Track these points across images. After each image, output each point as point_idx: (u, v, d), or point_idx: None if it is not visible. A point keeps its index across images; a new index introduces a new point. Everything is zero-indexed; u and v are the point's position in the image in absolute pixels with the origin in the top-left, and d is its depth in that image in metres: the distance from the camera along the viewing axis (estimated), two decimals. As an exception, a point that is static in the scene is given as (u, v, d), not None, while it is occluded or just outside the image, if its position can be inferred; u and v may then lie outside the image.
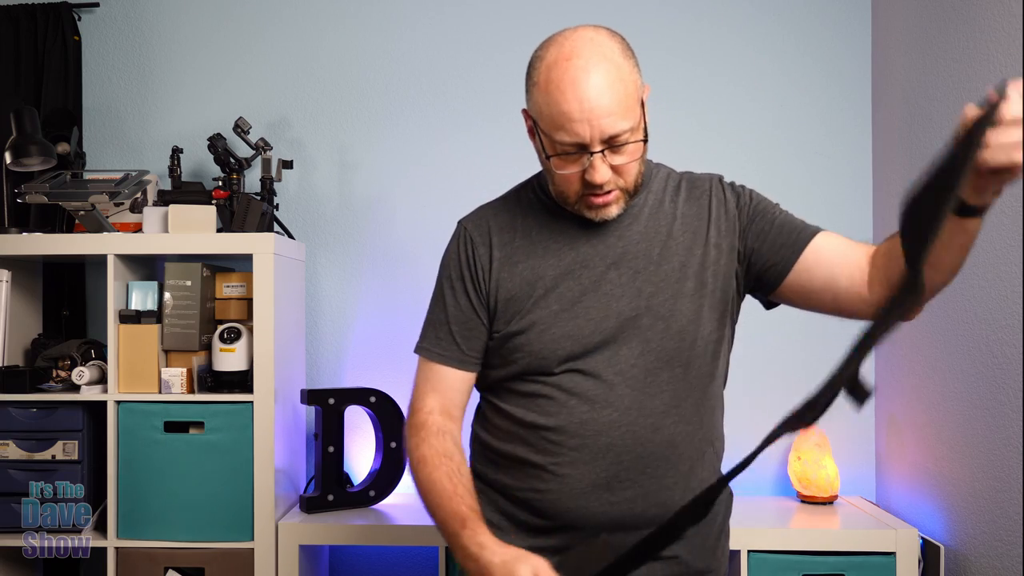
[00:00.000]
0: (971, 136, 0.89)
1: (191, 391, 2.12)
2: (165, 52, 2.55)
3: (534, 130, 1.19)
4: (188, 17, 2.55)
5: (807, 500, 2.26)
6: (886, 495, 2.32)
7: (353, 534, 2.12)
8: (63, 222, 2.38)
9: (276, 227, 2.33)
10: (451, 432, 1.27)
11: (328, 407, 2.21)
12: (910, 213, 0.93)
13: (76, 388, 2.12)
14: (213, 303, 2.20)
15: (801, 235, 1.24)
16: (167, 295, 2.13)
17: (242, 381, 2.12)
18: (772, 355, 2.36)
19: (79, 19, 2.52)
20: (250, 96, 2.52)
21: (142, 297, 2.16)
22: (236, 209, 2.18)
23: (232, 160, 2.26)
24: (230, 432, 2.07)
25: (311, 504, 2.18)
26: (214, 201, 2.21)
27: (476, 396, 1.36)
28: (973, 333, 1.86)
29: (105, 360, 2.14)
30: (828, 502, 2.25)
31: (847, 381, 0.91)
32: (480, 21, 2.50)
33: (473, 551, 1.12)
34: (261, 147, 2.29)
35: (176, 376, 2.09)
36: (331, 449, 2.21)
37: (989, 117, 0.89)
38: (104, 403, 2.09)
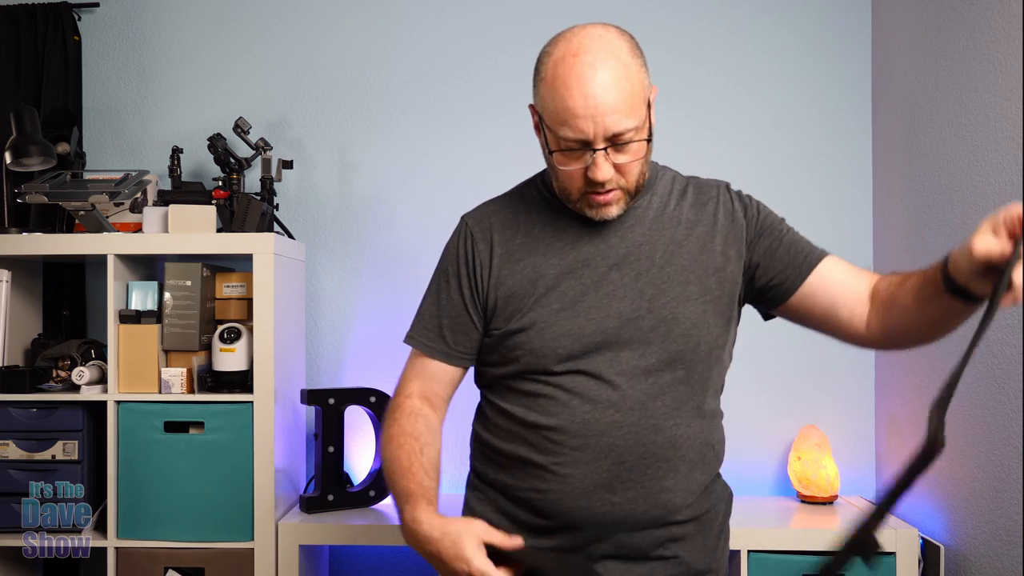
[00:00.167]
0: (1000, 279, 0.93)
1: (191, 391, 2.12)
2: (165, 52, 2.55)
3: (539, 125, 1.19)
4: (188, 17, 2.55)
5: (807, 500, 2.26)
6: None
7: (353, 534, 2.12)
8: (63, 222, 2.38)
9: (276, 227, 2.33)
10: (425, 415, 1.29)
11: (328, 407, 2.21)
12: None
13: (76, 388, 2.12)
14: (213, 303, 2.20)
15: (808, 258, 1.25)
16: (167, 295, 2.13)
17: (242, 381, 2.12)
18: (772, 356, 2.36)
19: (79, 19, 2.52)
20: (250, 96, 2.52)
21: (142, 297, 2.16)
22: (236, 209, 2.18)
23: (232, 160, 2.26)
24: (230, 432, 2.07)
25: (311, 504, 2.18)
26: (214, 201, 2.21)
27: (477, 395, 1.36)
28: (973, 333, 1.86)
29: (105, 360, 2.14)
30: (828, 502, 2.25)
31: (864, 540, 0.97)
32: (480, 21, 2.50)
33: (411, 526, 1.18)
34: (261, 147, 2.29)
35: (176, 376, 2.09)
36: (331, 449, 2.21)
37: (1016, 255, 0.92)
38: (104, 403, 2.09)
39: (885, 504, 0.96)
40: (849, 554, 0.97)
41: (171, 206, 2.14)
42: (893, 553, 1.98)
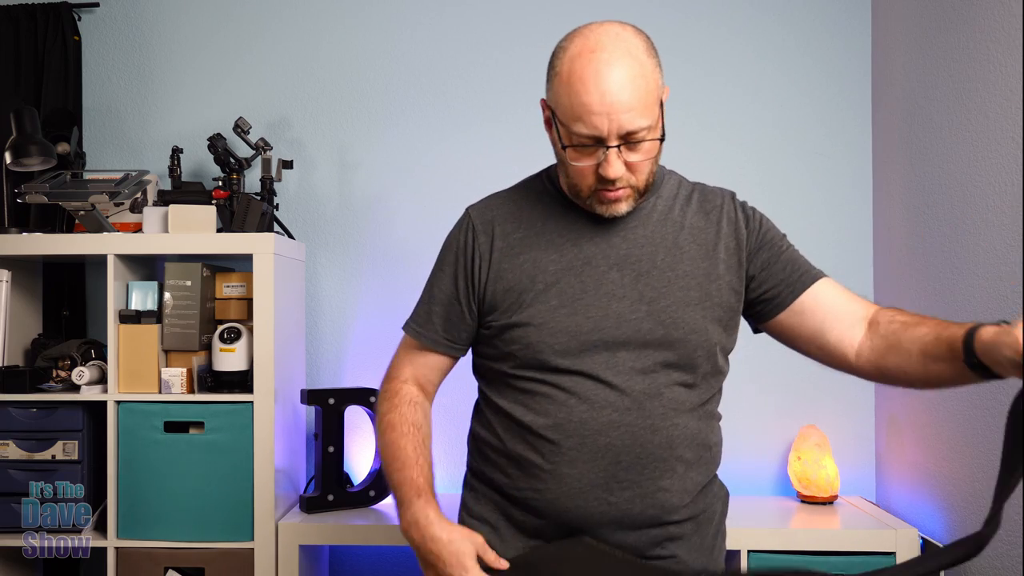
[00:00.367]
0: None
1: (191, 391, 2.12)
2: (165, 52, 2.55)
3: (551, 120, 1.19)
4: (188, 17, 2.55)
5: (807, 500, 2.26)
6: (886, 495, 2.32)
7: (353, 534, 2.12)
8: (63, 222, 2.38)
9: (276, 227, 2.33)
10: (423, 405, 1.33)
11: (328, 407, 2.21)
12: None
13: (76, 388, 2.12)
14: (213, 303, 2.20)
15: (803, 277, 1.26)
16: (167, 295, 2.13)
17: (242, 381, 2.12)
18: (772, 356, 2.35)
19: (79, 19, 2.52)
20: (250, 96, 2.52)
21: (142, 297, 2.16)
22: (236, 209, 2.18)
23: (232, 160, 2.26)
24: (230, 432, 2.07)
25: (311, 504, 2.18)
26: (214, 201, 2.21)
27: (476, 395, 1.36)
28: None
29: (105, 360, 2.14)
30: (828, 502, 2.25)
31: None
32: (480, 21, 2.50)
33: (422, 521, 1.22)
34: (261, 147, 2.29)
35: (176, 376, 2.09)
36: (331, 449, 2.21)
37: None
38: (104, 403, 2.09)
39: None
40: None
41: (171, 206, 2.14)
42: (893, 553, 1.98)
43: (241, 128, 2.27)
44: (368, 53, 2.51)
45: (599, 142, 1.13)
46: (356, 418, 2.37)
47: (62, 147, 2.28)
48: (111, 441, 2.08)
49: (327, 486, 2.20)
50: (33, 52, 2.49)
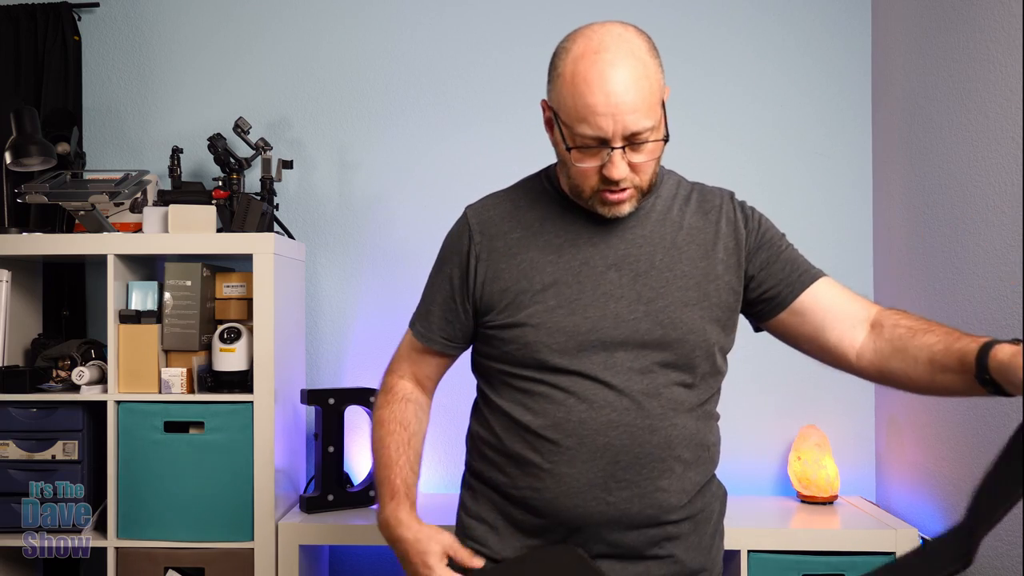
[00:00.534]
0: None
1: (191, 391, 2.12)
2: (165, 52, 2.55)
3: (553, 121, 1.19)
4: (188, 17, 2.55)
5: (807, 500, 2.26)
6: (886, 495, 2.32)
7: (353, 534, 2.12)
8: (63, 222, 2.38)
9: (276, 227, 2.33)
10: (417, 400, 1.37)
11: (328, 407, 2.21)
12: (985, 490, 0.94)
13: (76, 388, 2.12)
14: (213, 303, 2.20)
15: (803, 277, 1.26)
16: (167, 295, 2.13)
17: (242, 381, 2.12)
18: (772, 356, 2.35)
19: (79, 19, 2.53)
20: (250, 96, 2.52)
21: (142, 297, 2.16)
22: (236, 209, 2.18)
23: (232, 160, 2.26)
24: (230, 432, 2.07)
25: (311, 504, 2.18)
26: (214, 201, 2.21)
27: (475, 394, 1.36)
28: (973, 333, 1.86)
29: (105, 360, 2.14)
30: (828, 502, 2.25)
31: None
32: (480, 21, 2.50)
33: (392, 523, 1.26)
34: (261, 147, 2.29)
35: (176, 376, 2.09)
36: (331, 449, 2.21)
37: None
38: (104, 403, 2.09)
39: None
40: None
41: (171, 206, 2.14)
42: (893, 553, 1.98)
43: (241, 128, 2.27)
44: (368, 53, 2.51)
45: (603, 143, 1.13)
46: (356, 418, 2.37)
47: (62, 147, 2.28)
48: (111, 441, 2.08)
49: (327, 486, 2.20)
50: (33, 52, 2.49)
